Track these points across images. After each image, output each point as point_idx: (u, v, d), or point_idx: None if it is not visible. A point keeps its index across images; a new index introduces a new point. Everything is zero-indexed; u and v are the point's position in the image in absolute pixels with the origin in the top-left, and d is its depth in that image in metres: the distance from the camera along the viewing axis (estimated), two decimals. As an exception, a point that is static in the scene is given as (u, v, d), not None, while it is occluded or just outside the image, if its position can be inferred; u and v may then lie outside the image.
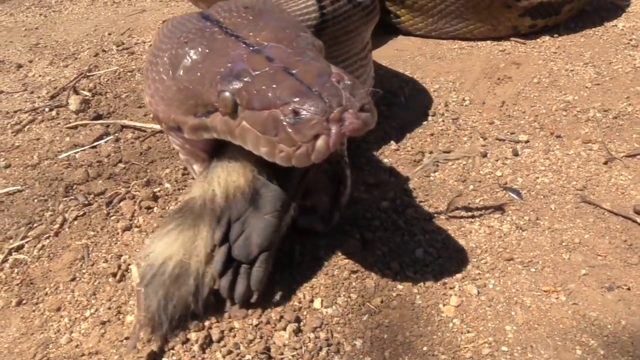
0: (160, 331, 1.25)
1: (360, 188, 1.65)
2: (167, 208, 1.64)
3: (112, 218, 1.63)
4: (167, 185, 1.73)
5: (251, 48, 1.26)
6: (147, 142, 1.94)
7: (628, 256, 1.44)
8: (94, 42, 2.81)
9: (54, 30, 3.06)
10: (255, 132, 1.18)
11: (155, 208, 1.64)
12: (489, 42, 2.48)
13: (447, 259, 1.44)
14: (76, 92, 2.27)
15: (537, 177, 1.71)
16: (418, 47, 2.51)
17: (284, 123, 1.12)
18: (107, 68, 2.48)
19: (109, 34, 2.89)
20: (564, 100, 2.05)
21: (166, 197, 1.68)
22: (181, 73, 1.30)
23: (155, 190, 1.69)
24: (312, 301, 1.34)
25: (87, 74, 2.43)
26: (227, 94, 1.20)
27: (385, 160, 1.80)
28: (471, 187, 1.68)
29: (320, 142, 1.10)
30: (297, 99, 1.13)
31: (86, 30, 2.99)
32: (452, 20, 2.44)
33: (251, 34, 1.30)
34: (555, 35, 2.49)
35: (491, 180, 1.71)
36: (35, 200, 1.72)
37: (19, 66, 2.62)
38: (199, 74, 1.26)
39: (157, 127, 1.90)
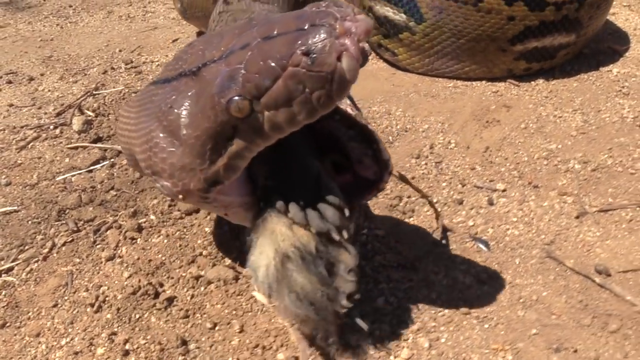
0: (317, 330, 1.26)
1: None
2: (149, 240, 1.73)
3: (97, 247, 1.72)
4: (152, 217, 1.82)
5: (223, 57, 1.20)
6: (140, 169, 2.03)
7: (581, 317, 1.49)
8: (105, 58, 2.93)
9: (68, 42, 3.18)
10: (283, 109, 1.13)
11: (139, 239, 1.73)
12: (484, 81, 2.54)
13: (406, 310, 1.51)
14: (81, 112, 2.38)
15: (508, 229, 1.76)
16: (414, 83, 2.57)
17: (304, 69, 1.09)
18: (113, 87, 2.59)
19: (120, 51, 3.00)
20: (547, 148, 2.10)
21: (150, 229, 1.77)
22: (185, 132, 1.22)
23: (140, 221, 1.79)
24: (270, 347, 1.41)
25: (94, 92, 2.54)
26: (235, 98, 1.14)
27: (363, 203, 1.87)
28: (442, 235, 1.74)
29: (345, 59, 1.07)
30: (299, 42, 1.09)
31: (98, 45, 3.10)
32: (448, 62, 2.50)
33: (214, 52, 1.24)
34: (550, 78, 2.53)
35: (462, 229, 1.77)
36: (29, 222, 1.83)
37: (31, 79, 2.75)
38: (199, 115, 1.20)
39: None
